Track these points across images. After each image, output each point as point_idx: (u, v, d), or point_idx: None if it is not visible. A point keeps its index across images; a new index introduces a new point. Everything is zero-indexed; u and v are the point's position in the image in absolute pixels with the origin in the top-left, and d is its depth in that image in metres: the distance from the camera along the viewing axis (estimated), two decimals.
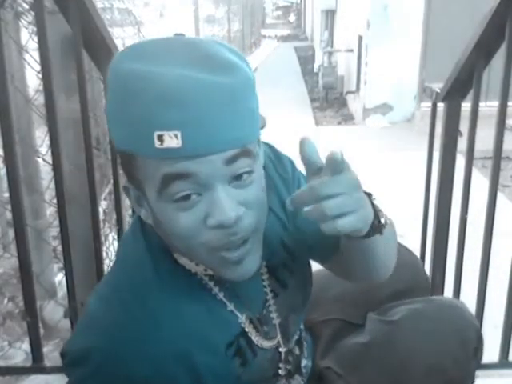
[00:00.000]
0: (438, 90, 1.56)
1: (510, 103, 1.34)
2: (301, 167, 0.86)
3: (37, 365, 1.44)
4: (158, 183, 0.63)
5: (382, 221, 0.76)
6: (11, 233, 1.34)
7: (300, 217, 0.81)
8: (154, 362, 0.69)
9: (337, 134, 5.25)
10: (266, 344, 0.84)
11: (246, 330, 0.80)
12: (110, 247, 1.94)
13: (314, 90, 7.05)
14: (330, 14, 7.56)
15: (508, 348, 1.47)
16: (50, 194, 1.78)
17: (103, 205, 1.92)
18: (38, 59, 1.27)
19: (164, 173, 0.62)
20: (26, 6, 1.63)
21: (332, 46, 7.23)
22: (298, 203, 0.64)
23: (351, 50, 6.05)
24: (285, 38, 15.21)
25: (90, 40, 1.28)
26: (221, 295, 0.77)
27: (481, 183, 1.83)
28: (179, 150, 0.60)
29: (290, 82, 7.93)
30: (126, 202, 1.88)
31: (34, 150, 1.84)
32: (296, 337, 0.96)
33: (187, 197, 0.63)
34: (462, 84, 1.46)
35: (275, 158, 0.92)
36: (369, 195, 0.76)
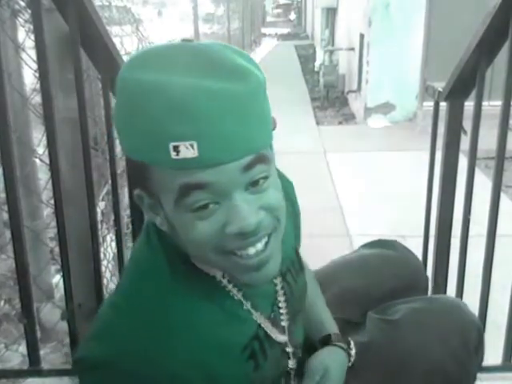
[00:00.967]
0: (441, 89, 1.56)
1: None
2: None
3: (34, 368, 1.44)
4: (176, 193, 0.64)
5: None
6: (8, 234, 1.34)
7: None
8: (170, 370, 0.69)
9: (338, 133, 5.25)
10: (280, 338, 0.85)
11: (262, 325, 0.81)
12: (108, 248, 1.94)
13: (315, 89, 7.04)
14: (330, 12, 7.56)
15: (511, 350, 1.47)
16: (47, 194, 1.78)
17: (101, 205, 1.92)
18: (34, 58, 1.27)
19: (181, 183, 0.63)
20: (23, 4, 1.63)
21: (333, 45, 7.22)
22: None
23: (352, 49, 6.04)
24: (285, 37, 15.21)
25: (88, 38, 1.28)
26: (239, 295, 0.78)
27: (484, 184, 1.83)
28: (195, 160, 0.61)
29: (291, 81, 7.93)
30: (124, 203, 1.88)
31: (31, 150, 1.84)
32: (299, 341, 0.97)
33: (205, 206, 0.64)
34: (465, 83, 1.46)
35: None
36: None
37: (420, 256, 1.75)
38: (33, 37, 1.22)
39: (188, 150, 0.60)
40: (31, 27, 1.31)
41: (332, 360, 0.97)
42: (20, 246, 1.31)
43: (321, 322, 1.04)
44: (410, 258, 1.26)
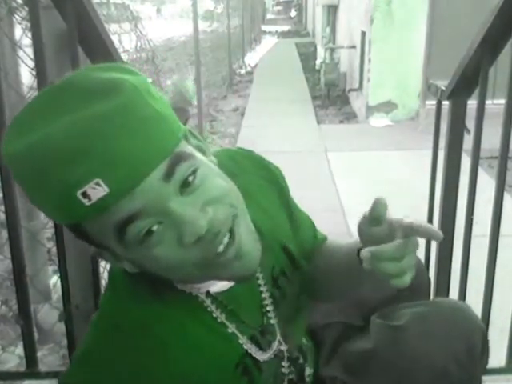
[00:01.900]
0: (443, 88, 1.56)
1: None
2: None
3: (31, 370, 1.43)
4: (114, 235, 0.61)
5: None
6: (5, 234, 1.34)
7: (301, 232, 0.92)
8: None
9: (339, 132, 5.25)
10: (266, 357, 0.84)
11: (249, 351, 0.81)
12: None
13: (316, 87, 7.05)
14: (332, 9, 7.56)
15: None
16: None
17: None
18: (32, 56, 1.27)
19: (113, 224, 0.60)
20: (20, 1, 1.63)
21: (334, 42, 7.23)
22: (378, 259, 0.65)
23: (354, 47, 6.05)
24: (285, 34, 15.22)
25: (86, 36, 1.28)
26: (222, 317, 0.77)
27: (487, 183, 1.83)
28: (110, 196, 0.58)
29: (291, 80, 7.93)
30: None
31: None
32: (298, 345, 0.96)
33: (149, 232, 0.61)
34: (468, 81, 1.45)
35: (256, 164, 0.93)
36: None
37: (422, 257, 1.75)
38: (30, 34, 1.22)
39: (97, 190, 0.57)
40: (28, 25, 1.31)
41: None
42: (17, 246, 1.31)
43: (346, 247, 0.95)
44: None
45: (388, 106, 5.29)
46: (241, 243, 0.67)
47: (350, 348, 1.05)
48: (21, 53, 1.62)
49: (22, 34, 1.60)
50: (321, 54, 7.28)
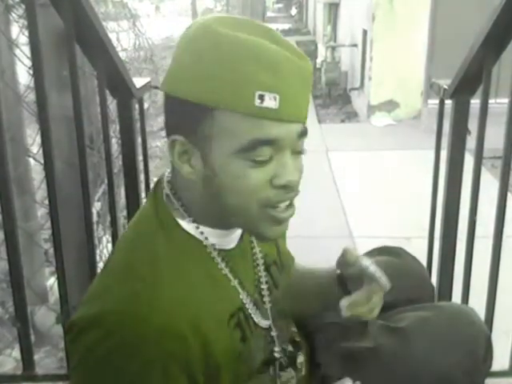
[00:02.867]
0: (446, 87, 1.56)
1: None
2: None
3: (28, 373, 1.43)
4: (243, 145, 0.72)
5: None
6: (1, 235, 1.34)
7: None
8: (167, 321, 0.70)
9: (340, 132, 5.26)
10: (262, 322, 0.89)
11: (247, 306, 0.86)
12: (104, 250, 1.94)
13: (317, 86, 7.04)
14: (333, 7, 7.56)
15: None
16: (41, 194, 1.78)
17: (97, 206, 1.92)
18: (28, 54, 1.27)
19: (252, 138, 0.71)
20: None
21: (335, 41, 7.23)
22: (352, 306, 0.90)
23: (355, 45, 6.05)
24: (286, 32, 15.19)
25: (84, 34, 1.28)
26: (226, 270, 0.83)
27: (490, 183, 1.83)
28: (274, 112, 0.71)
29: None
30: (121, 203, 1.88)
31: (24, 148, 1.84)
32: (291, 338, 0.99)
33: (263, 161, 0.73)
34: (471, 80, 1.45)
35: None
36: None
37: (425, 259, 1.75)
38: (27, 32, 1.22)
39: (271, 101, 0.70)
40: (25, 23, 1.31)
41: None
42: (13, 247, 1.31)
43: (316, 272, 1.07)
44: (414, 267, 1.23)
45: (390, 105, 5.29)
46: (292, 213, 0.79)
47: (348, 346, 1.06)
48: (17, 51, 1.62)
49: (18, 33, 1.60)
50: (322, 53, 7.27)
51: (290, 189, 0.76)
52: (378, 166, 4.08)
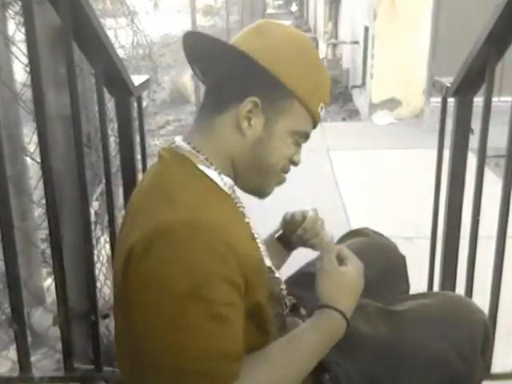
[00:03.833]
0: (449, 85, 1.56)
1: None
2: None
3: (24, 375, 1.44)
4: (301, 131, 0.97)
5: None
6: None
7: None
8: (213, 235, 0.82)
9: (341, 130, 5.26)
10: (268, 262, 1.05)
11: (258, 244, 1.03)
12: (102, 250, 1.94)
13: None
14: (334, 4, 7.56)
15: None
16: (38, 194, 1.78)
17: (95, 206, 1.92)
18: (25, 52, 1.27)
19: (307, 130, 0.99)
20: None
21: (336, 38, 7.24)
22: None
23: (357, 42, 6.05)
24: None
25: (81, 31, 1.28)
26: (243, 208, 1.00)
27: (494, 183, 1.83)
28: (319, 119, 0.99)
29: None
30: (119, 203, 1.88)
31: (21, 147, 1.84)
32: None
33: (300, 145, 1.00)
34: (474, 78, 1.46)
35: None
36: None
37: (427, 258, 1.75)
38: (23, 29, 1.22)
39: (321, 112, 0.99)
40: (22, 20, 1.31)
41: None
42: (10, 247, 1.31)
43: None
44: (382, 242, 1.38)
45: (392, 104, 5.29)
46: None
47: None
48: (14, 49, 1.61)
49: (15, 30, 1.60)
50: (323, 50, 7.28)
51: (296, 165, 1.02)
52: (380, 165, 4.08)
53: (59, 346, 1.49)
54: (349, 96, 6.48)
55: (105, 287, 1.82)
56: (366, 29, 5.50)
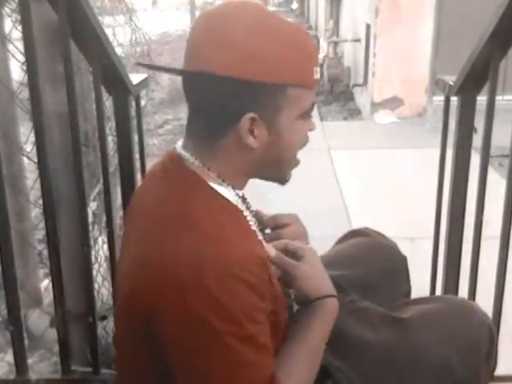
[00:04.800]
0: (452, 83, 1.56)
1: None
2: None
3: (21, 377, 1.44)
4: (307, 108, 0.93)
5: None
6: None
7: None
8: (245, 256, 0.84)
9: (343, 129, 5.26)
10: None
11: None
12: (100, 251, 1.94)
13: (319, 82, 7.05)
14: (335, 1, 7.55)
15: None
16: (35, 194, 1.78)
17: (92, 206, 1.92)
18: (22, 50, 1.27)
19: (313, 101, 0.94)
20: None
21: (337, 36, 7.23)
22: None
23: (358, 40, 6.05)
24: None
25: (79, 29, 1.28)
26: (255, 226, 1.00)
27: (497, 183, 1.83)
28: (317, 81, 0.93)
29: None
30: (117, 203, 1.88)
31: (18, 147, 1.84)
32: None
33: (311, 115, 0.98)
34: (477, 76, 1.46)
35: None
36: None
37: (430, 259, 1.75)
38: (20, 27, 1.22)
39: (317, 74, 0.92)
40: (18, 17, 1.31)
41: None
42: (6, 248, 1.31)
43: None
44: (383, 242, 1.37)
45: (394, 102, 5.29)
46: None
47: (348, 333, 1.07)
48: (10, 47, 1.62)
49: (11, 27, 1.60)
50: (324, 48, 7.27)
51: (310, 132, 0.99)
52: (382, 164, 4.08)
53: (56, 348, 1.49)
54: (350, 95, 6.47)
55: (102, 288, 1.82)
56: (368, 26, 5.50)
